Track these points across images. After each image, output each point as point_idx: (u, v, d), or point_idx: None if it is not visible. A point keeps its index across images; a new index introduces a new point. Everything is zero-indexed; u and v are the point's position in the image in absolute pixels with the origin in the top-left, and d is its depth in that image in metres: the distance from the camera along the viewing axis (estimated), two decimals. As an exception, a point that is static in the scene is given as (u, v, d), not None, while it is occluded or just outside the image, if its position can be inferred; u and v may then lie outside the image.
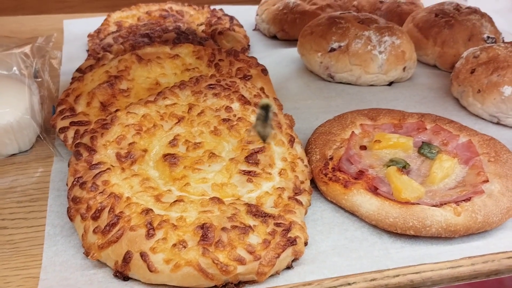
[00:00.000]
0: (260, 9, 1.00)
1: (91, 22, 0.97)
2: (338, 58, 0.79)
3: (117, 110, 0.60)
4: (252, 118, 0.59)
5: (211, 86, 0.62)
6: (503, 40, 0.89)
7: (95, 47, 0.82)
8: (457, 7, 0.88)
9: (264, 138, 0.53)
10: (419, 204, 0.53)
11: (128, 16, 0.95)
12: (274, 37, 0.98)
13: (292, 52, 0.90)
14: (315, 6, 0.95)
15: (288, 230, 0.48)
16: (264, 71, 0.71)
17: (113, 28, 0.90)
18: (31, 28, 0.98)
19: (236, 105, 0.60)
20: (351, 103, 0.77)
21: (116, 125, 0.57)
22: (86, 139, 0.55)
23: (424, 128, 0.64)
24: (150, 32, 0.83)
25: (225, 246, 0.46)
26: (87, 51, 0.88)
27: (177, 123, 0.58)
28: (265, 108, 0.52)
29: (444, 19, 0.85)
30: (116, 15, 0.94)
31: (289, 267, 0.48)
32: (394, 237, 0.53)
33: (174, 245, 0.46)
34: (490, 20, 0.88)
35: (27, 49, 0.67)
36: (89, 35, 0.90)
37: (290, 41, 0.96)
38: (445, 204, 0.53)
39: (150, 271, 0.45)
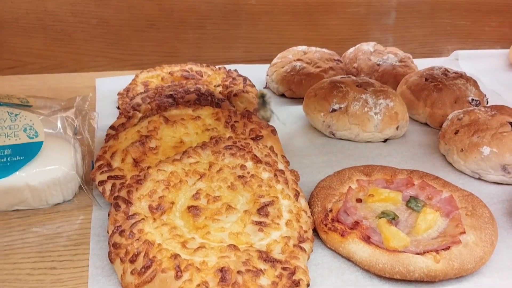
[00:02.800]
0: (270, 70, 1.11)
1: (120, 80, 1.09)
2: (338, 118, 0.90)
3: (148, 167, 0.71)
4: (263, 175, 0.70)
5: (228, 147, 0.72)
6: (487, 101, 0.99)
7: (125, 106, 0.94)
8: (445, 72, 0.99)
9: (267, 120, 0.66)
10: (405, 252, 0.62)
11: (153, 76, 1.07)
12: (282, 95, 1.09)
13: (298, 110, 1.01)
14: (319, 69, 1.07)
15: (293, 273, 0.58)
16: (274, 131, 0.81)
17: (140, 87, 1.02)
18: (66, 86, 1.10)
19: (249, 164, 0.71)
20: (350, 158, 0.87)
21: (148, 181, 0.67)
22: (123, 193, 0.66)
23: (412, 183, 0.74)
24: (174, 93, 0.94)
25: (240, 287, 0.55)
26: (118, 108, 0.99)
27: (199, 179, 0.69)
28: (262, 96, 0.64)
29: (433, 83, 0.96)
30: (143, 76, 1.06)
31: (293, 305, 0.57)
32: (383, 281, 0.62)
33: (198, 285, 0.55)
34: (475, 84, 0.98)
35: (70, 113, 0.78)
36: (119, 93, 1.02)
37: (297, 99, 1.07)
38: (427, 252, 0.62)
39: (178, 306, 0.54)
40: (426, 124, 0.98)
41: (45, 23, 1.11)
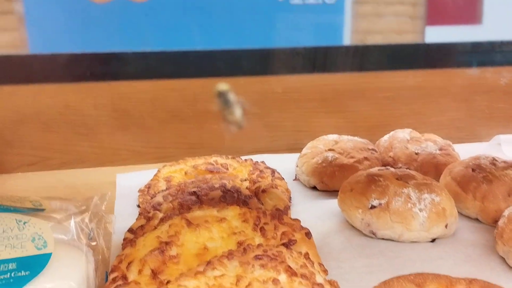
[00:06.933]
0: (300, 161, 1.05)
1: (141, 175, 1.03)
2: (379, 215, 0.81)
3: (168, 282, 0.62)
4: (299, 291, 0.60)
5: (258, 256, 0.64)
6: (543, 193, 0.89)
7: (146, 205, 0.87)
8: (493, 162, 0.91)
9: (239, 124, 0.50)
10: None
11: (176, 171, 1.01)
12: (314, 188, 1.02)
13: (332, 205, 0.92)
14: (353, 160, 0.99)
15: None
16: (308, 234, 0.73)
17: (162, 183, 0.96)
18: (85, 182, 1.05)
19: (283, 277, 0.62)
20: (394, 262, 0.77)
21: (167, 300, 0.58)
22: (138, 316, 0.57)
23: (473, 297, 0.64)
24: (197, 190, 0.88)
25: None
26: (138, 206, 0.93)
27: (225, 296, 0.60)
28: (222, 94, 0.50)
29: (481, 175, 0.88)
30: (165, 170, 1.01)
31: None
32: None
33: None
34: (528, 174, 0.89)
35: (85, 217, 0.72)
36: (139, 191, 0.96)
37: (330, 192, 0.99)
38: None
39: None
40: (477, 219, 0.88)
41: (67, 118, 1.08)
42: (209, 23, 0.44)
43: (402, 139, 1.07)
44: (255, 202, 0.84)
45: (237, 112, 0.50)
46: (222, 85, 0.51)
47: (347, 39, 0.44)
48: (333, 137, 1.08)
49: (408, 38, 0.46)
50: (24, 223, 0.66)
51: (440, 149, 1.03)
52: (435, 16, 0.47)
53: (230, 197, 0.85)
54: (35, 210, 0.73)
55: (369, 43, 0.47)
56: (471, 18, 0.47)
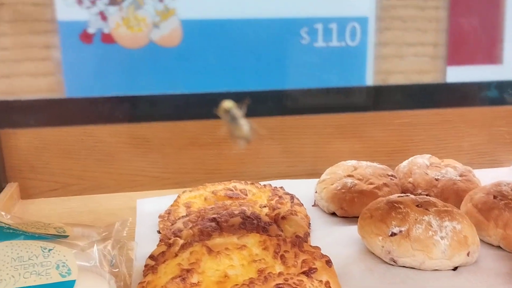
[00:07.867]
0: (319, 186, 1.05)
1: (161, 201, 1.04)
2: (399, 243, 0.81)
3: (189, 310, 0.63)
4: (321, 320, 0.60)
5: (279, 285, 0.64)
6: None
7: (166, 232, 0.88)
8: (515, 188, 0.90)
9: (247, 138, 0.49)
10: None
11: (196, 196, 1.02)
12: (333, 214, 1.01)
13: (352, 232, 0.92)
14: (372, 186, 0.99)
15: None
16: (329, 262, 0.73)
17: (182, 209, 0.97)
18: (106, 207, 1.06)
19: (304, 306, 0.62)
20: (416, 290, 0.76)
21: (189, 329, 0.59)
22: None
23: (498, 328, 0.62)
24: (217, 216, 0.88)
25: None
26: (158, 232, 0.94)
27: (247, 325, 0.60)
28: (228, 111, 0.49)
29: (503, 202, 0.87)
30: (185, 196, 1.01)
31: None
32: None
33: None
34: (550, 201, 0.88)
35: (108, 245, 0.73)
36: (160, 216, 0.96)
37: (349, 219, 0.99)
38: None
39: None
40: (499, 247, 0.87)
41: (87, 144, 1.10)
42: (236, 66, 0.45)
43: (421, 164, 1.07)
44: (275, 229, 0.85)
45: (245, 127, 0.50)
46: (227, 102, 0.50)
47: (370, 80, 0.45)
48: (352, 163, 1.08)
49: (429, 78, 0.47)
50: (49, 250, 0.67)
51: (461, 175, 1.02)
52: (456, 56, 0.47)
53: (249, 224, 0.86)
54: (59, 237, 0.74)
55: (391, 83, 0.47)
56: (492, 58, 0.48)
